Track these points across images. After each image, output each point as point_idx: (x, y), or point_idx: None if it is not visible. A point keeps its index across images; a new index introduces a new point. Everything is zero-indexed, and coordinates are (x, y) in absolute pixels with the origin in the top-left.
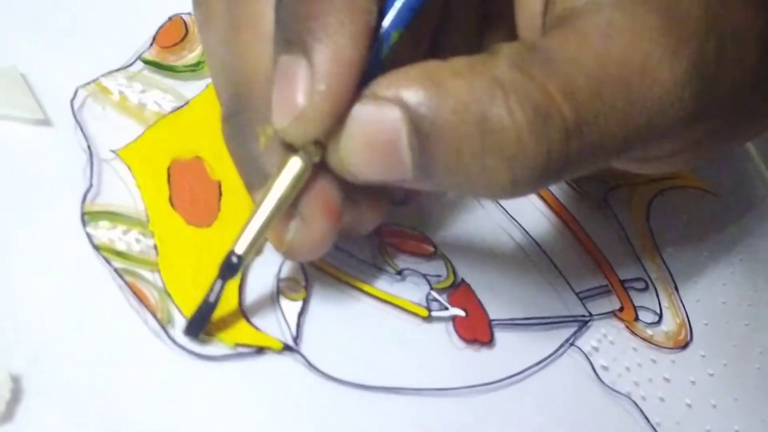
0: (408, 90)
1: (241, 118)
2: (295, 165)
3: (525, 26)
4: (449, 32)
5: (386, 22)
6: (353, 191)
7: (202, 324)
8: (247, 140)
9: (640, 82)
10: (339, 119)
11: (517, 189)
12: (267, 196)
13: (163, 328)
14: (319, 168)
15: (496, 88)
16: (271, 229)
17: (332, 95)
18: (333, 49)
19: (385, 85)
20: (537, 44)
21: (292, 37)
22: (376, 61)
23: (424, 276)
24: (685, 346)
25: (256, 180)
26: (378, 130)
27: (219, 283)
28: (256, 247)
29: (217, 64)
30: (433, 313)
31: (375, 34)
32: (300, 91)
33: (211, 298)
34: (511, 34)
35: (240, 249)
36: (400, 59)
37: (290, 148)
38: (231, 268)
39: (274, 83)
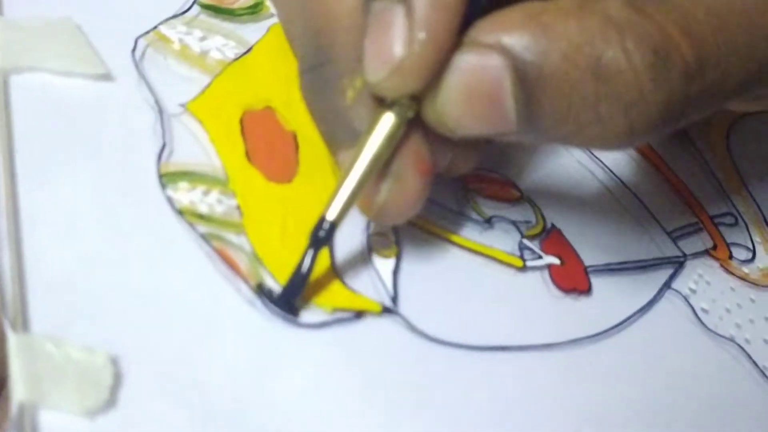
0: (511, 34)
1: (323, 70)
2: (388, 121)
3: None
4: None
5: None
6: None
7: (296, 296)
8: (331, 94)
9: (762, 17)
10: (439, 70)
11: (633, 138)
12: (359, 155)
13: (258, 295)
14: (410, 122)
15: (611, 28)
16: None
17: (434, 44)
18: None
19: (486, 30)
20: None
21: None
22: (477, 4)
23: (514, 223)
24: None
25: (341, 137)
26: (480, 81)
27: (311, 252)
28: (347, 212)
29: (289, 9)
30: (528, 263)
31: None
32: (398, 40)
33: (304, 269)
34: None
35: (332, 215)
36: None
37: (381, 102)
38: (325, 236)
39: (367, 31)
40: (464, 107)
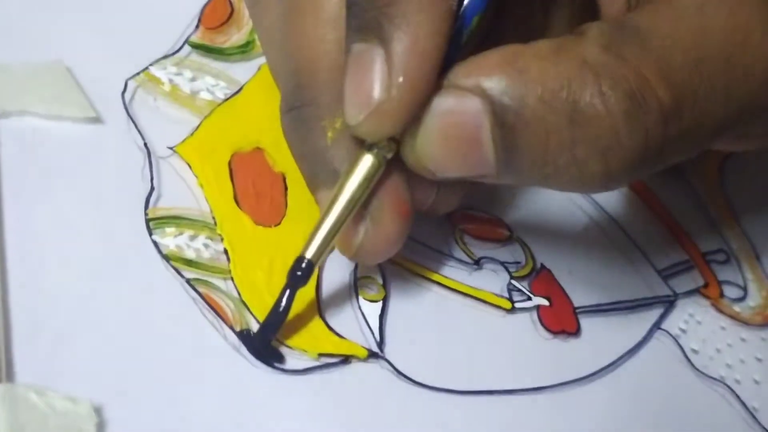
0: (489, 78)
1: (304, 110)
2: (367, 162)
3: (609, 3)
4: (507, 15)
5: (465, 5)
6: None
7: (272, 336)
8: (311, 134)
9: (742, 56)
10: (417, 113)
11: (610, 182)
12: (338, 196)
13: (241, 340)
14: (389, 164)
15: (587, 72)
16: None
17: (412, 88)
18: (412, 38)
19: (464, 73)
20: (627, 22)
21: (367, 23)
22: (455, 49)
23: (503, 264)
24: None
25: (321, 176)
26: (458, 124)
27: (288, 292)
28: (327, 252)
29: (274, 50)
30: (517, 304)
31: (455, 20)
32: (377, 83)
33: (280, 308)
34: (576, 14)
35: (310, 254)
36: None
37: (361, 144)
38: (301, 275)
39: (346, 74)
40: (443, 150)
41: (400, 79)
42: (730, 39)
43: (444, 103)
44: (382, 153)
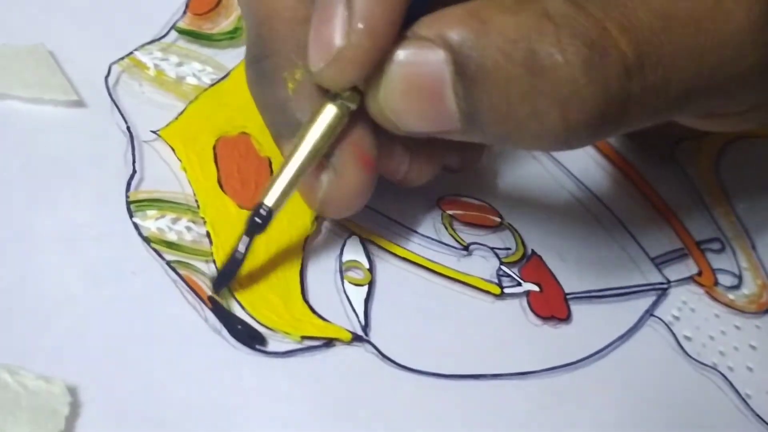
0: (452, 29)
1: (265, 62)
2: (330, 112)
3: None
4: None
5: None
6: (406, 138)
7: (227, 282)
8: (273, 86)
9: (712, 22)
10: (379, 62)
11: (571, 136)
12: (299, 145)
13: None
14: (353, 115)
15: (547, 23)
16: (303, 182)
17: (372, 35)
18: None
19: (427, 24)
20: None
21: None
22: (422, 2)
23: (493, 249)
24: None
25: (284, 128)
26: (420, 74)
27: (246, 239)
28: (285, 200)
29: (242, 4)
30: (506, 290)
31: None
32: (337, 29)
33: (238, 255)
34: None
35: (270, 201)
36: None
37: (325, 94)
38: (260, 222)
39: (312, 22)
40: (406, 101)
41: (360, 25)
42: (700, 3)
43: (406, 53)
44: (345, 104)
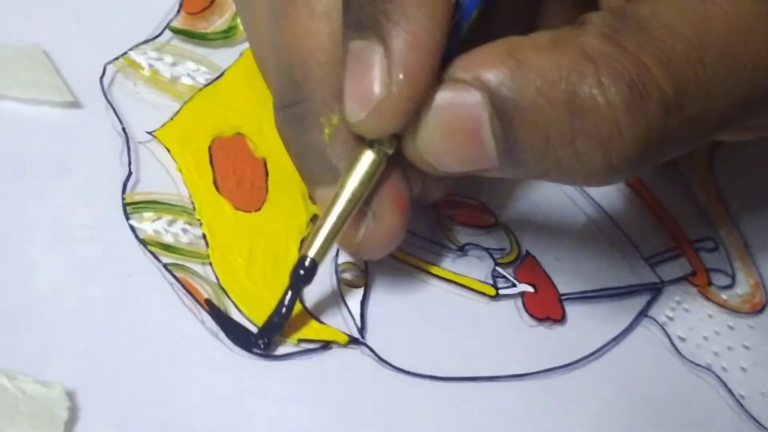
0: (488, 71)
1: (299, 107)
2: (367, 159)
3: None
4: (503, 6)
5: None
6: None
7: (273, 336)
8: (308, 131)
9: (744, 46)
10: (418, 109)
11: (612, 175)
12: (340, 194)
13: (214, 319)
14: (389, 159)
15: (586, 62)
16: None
17: (412, 85)
18: (411, 33)
19: (463, 66)
20: (627, 11)
21: (364, 19)
22: (455, 42)
23: (487, 250)
24: (762, 309)
25: (318, 173)
26: (458, 117)
27: (291, 292)
28: (329, 250)
29: (263, 43)
30: (501, 291)
31: (453, 14)
32: (377, 80)
33: (284, 309)
34: (570, 7)
35: (313, 252)
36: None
37: (361, 140)
38: (305, 275)
39: (345, 71)
40: (444, 144)
41: (401, 76)
42: (732, 27)
43: (444, 97)
44: (383, 149)
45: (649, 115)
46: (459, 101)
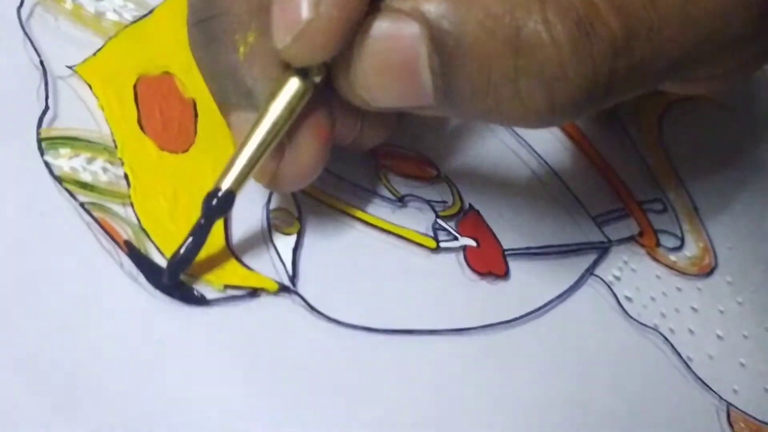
0: (428, 1)
1: (214, 22)
2: (293, 87)
3: None
4: None
5: None
6: None
7: (181, 271)
8: (222, 49)
9: None
10: (349, 36)
11: (555, 116)
12: (260, 122)
13: (132, 259)
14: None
15: None
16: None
17: (342, 5)
18: None
19: None
20: None
21: None
22: None
23: (428, 202)
24: (710, 272)
25: (233, 96)
26: (394, 50)
27: (202, 223)
28: (245, 181)
29: None
30: (442, 244)
31: None
32: (304, 2)
33: (194, 241)
34: None
35: (228, 183)
36: None
37: (287, 66)
38: (218, 206)
39: None
40: (378, 78)
41: None
42: None
43: (379, 27)
44: (310, 78)
45: (596, 57)
46: (395, 33)
